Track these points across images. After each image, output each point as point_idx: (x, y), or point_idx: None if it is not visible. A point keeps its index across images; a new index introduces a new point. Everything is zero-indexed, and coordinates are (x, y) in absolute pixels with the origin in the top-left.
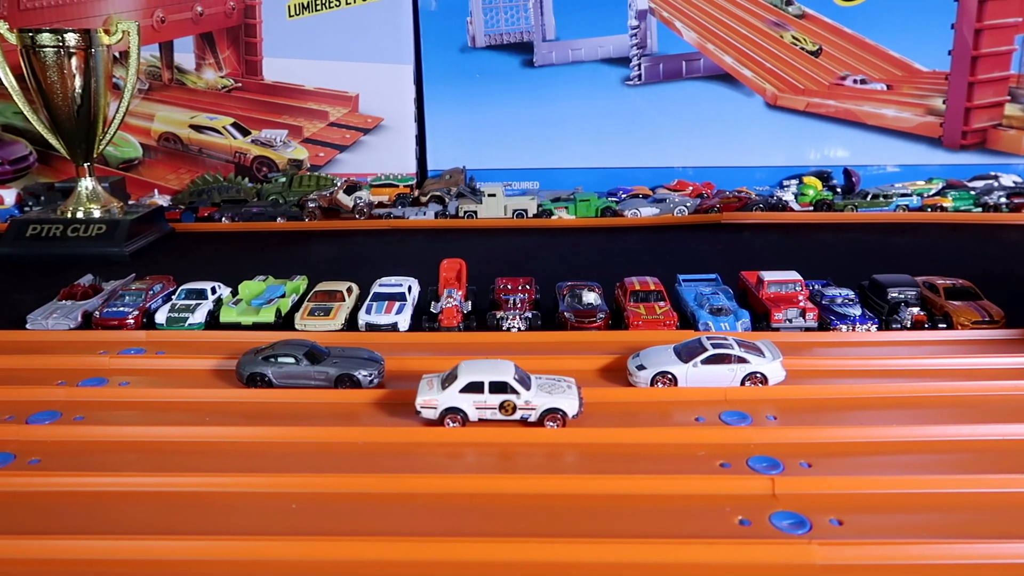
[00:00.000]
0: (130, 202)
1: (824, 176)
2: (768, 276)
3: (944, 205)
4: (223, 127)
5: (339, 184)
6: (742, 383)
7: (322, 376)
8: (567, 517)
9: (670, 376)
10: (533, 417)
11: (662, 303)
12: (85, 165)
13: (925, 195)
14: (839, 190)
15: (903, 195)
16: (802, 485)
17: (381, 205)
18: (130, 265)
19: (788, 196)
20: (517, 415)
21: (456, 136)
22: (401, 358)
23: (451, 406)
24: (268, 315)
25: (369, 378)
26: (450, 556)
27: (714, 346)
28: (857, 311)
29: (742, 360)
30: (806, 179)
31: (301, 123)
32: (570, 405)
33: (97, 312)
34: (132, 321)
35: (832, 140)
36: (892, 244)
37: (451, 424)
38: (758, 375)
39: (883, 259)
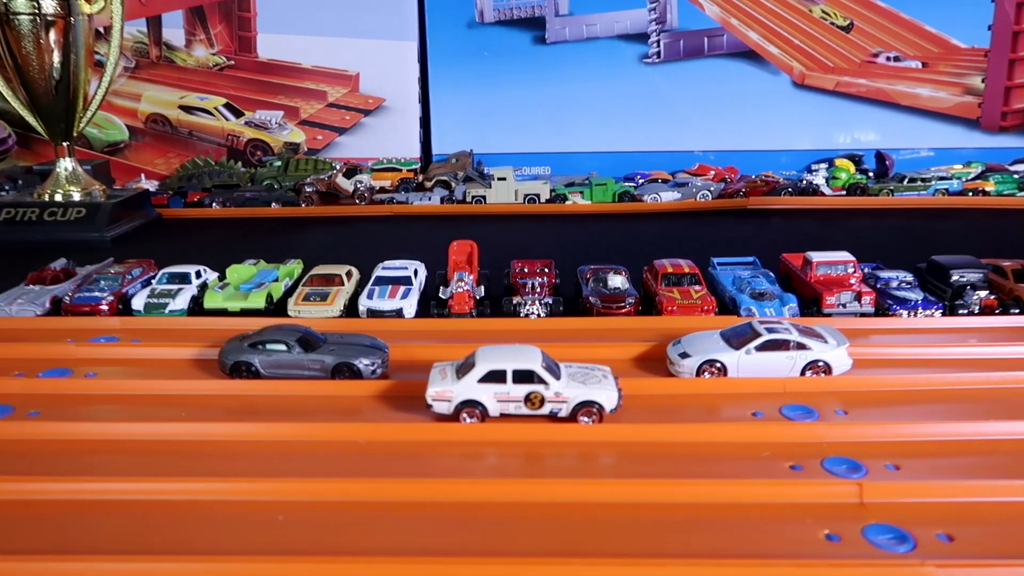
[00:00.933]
0: (115, 187)
1: (855, 160)
2: (817, 257)
3: (987, 189)
4: (215, 108)
5: (338, 168)
6: (802, 373)
7: (317, 365)
8: (608, 532)
9: (719, 365)
10: (564, 412)
11: (698, 287)
12: (64, 144)
13: (964, 179)
14: (871, 174)
15: (942, 178)
16: (894, 491)
17: (383, 190)
18: (112, 252)
19: (819, 180)
20: (545, 409)
21: (463, 118)
22: (407, 346)
23: (468, 398)
24: (258, 300)
25: (371, 368)
26: None
27: (769, 330)
28: (918, 295)
29: (802, 347)
30: (838, 162)
31: (298, 104)
32: (608, 397)
33: (67, 297)
34: (106, 307)
35: (863, 122)
36: (935, 229)
37: (468, 420)
38: (821, 363)
39: (927, 245)
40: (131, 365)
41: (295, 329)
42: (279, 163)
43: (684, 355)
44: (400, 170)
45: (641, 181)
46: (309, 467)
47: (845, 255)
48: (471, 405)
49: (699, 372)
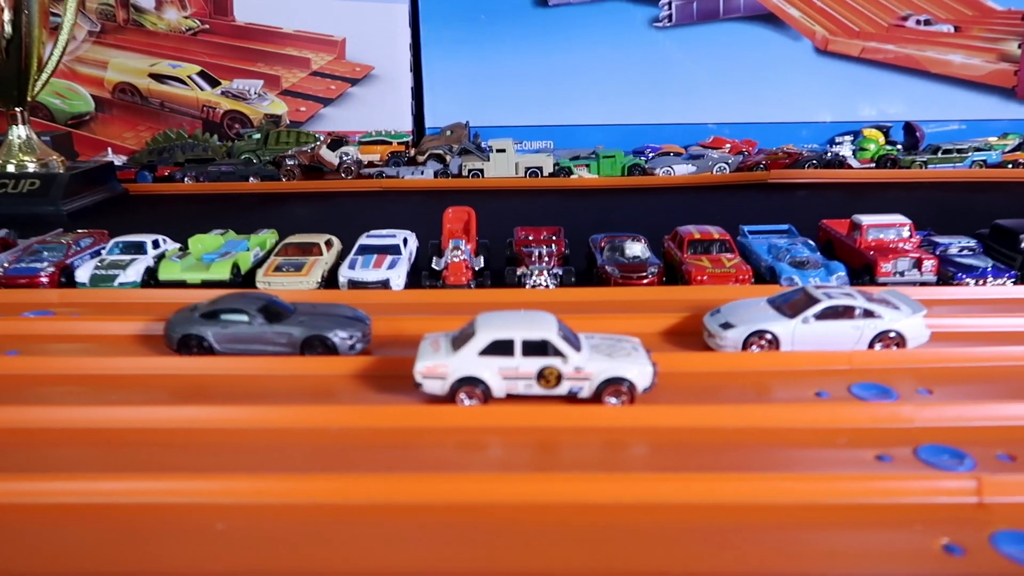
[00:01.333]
0: (78, 161)
1: (883, 131)
2: (867, 220)
3: None
4: (188, 77)
5: (322, 139)
6: (871, 345)
7: (283, 339)
8: (644, 543)
9: (770, 336)
10: (586, 391)
11: (730, 255)
12: (18, 111)
13: (1003, 151)
14: (901, 147)
15: (978, 149)
16: (1021, 489)
17: (371, 165)
18: (69, 228)
19: (846, 151)
20: (563, 387)
21: (458, 88)
22: (394, 319)
23: (467, 375)
24: (221, 271)
25: (349, 342)
26: None
27: (829, 296)
28: (986, 262)
29: (871, 314)
30: (867, 132)
31: (279, 72)
32: (640, 373)
33: (1, 268)
34: (46, 279)
35: (889, 92)
36: (976, 202)
37: (467, 401)
38: (893, 334)
39: (969, 219)
40: (65, 341)
41: (257, 298)
42: (259, 136)
43: (727, 325)
44: (390, 143)
45: (652, 155)
46: (264, 460)
47: (899, 218)
48: (470, 383)
49: (746, 345)
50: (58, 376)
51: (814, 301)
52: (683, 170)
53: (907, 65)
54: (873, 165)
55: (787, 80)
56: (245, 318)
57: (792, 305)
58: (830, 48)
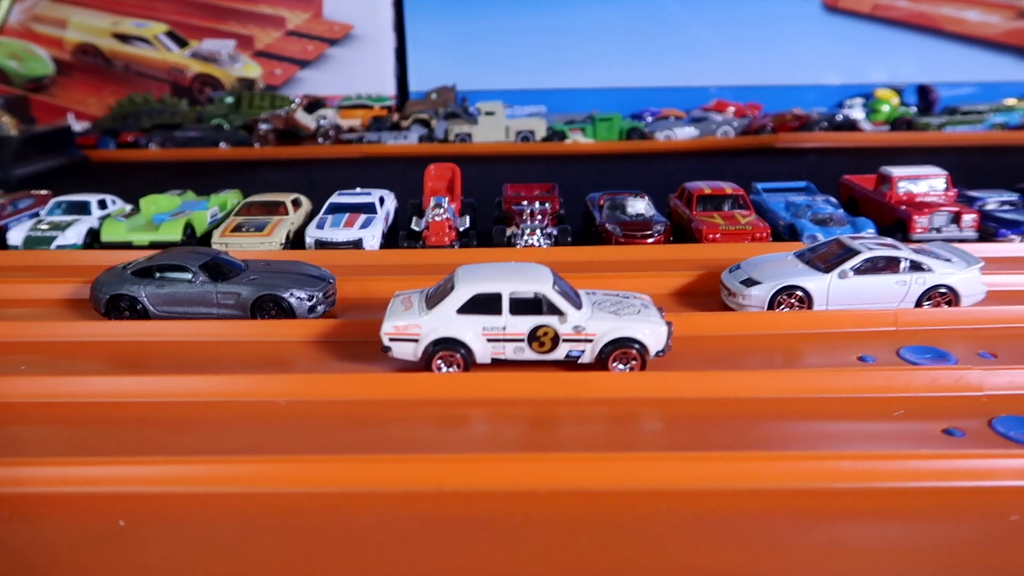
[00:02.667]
0: (34, 126)
1: (896, 92)
2: (898, 172)
3: None
4: (154, 37)
5: (298, 101)
6: (918, 303)
7: (231, 299)
8: (669, 538)
9: (801, 293)
10: (588, 355)
11: (745, 211)
12: None
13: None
14: (914, 109)
15: (998, 111)
16: None
17: (351, 131)
18: (14, 190)
19: (858, 114)
20: (560, 352)
21: (444, 50)
22: (365, 280)
23: (444, 337)
24: (172, 231)
25: (308, 303)
26: None
27: (869, 247)
28: None
29: (918, 267)
30: (879, 93)
31: (252, 32)
32: (652, 333)
33: None
34: None
35: (901, 52)
36: (1001, 165)
37: (444, 368)
38: (944, 290)
39: (993, 182)
40: None
41: (200, 253)
42: (231, 100)
43: (750, 282)
44: (372, 107)
45: (651, 118)
46: (204, 441)
47: (934, 169)
48: (448, 346)
49: (773, 304)
50: None
51: (852, 253)
52: (685, 134)
53: (920, 23)
54: (887, 127)
55: (793, 40)
56: (186, 276)
57: (825, 258)
58: (839, 5)
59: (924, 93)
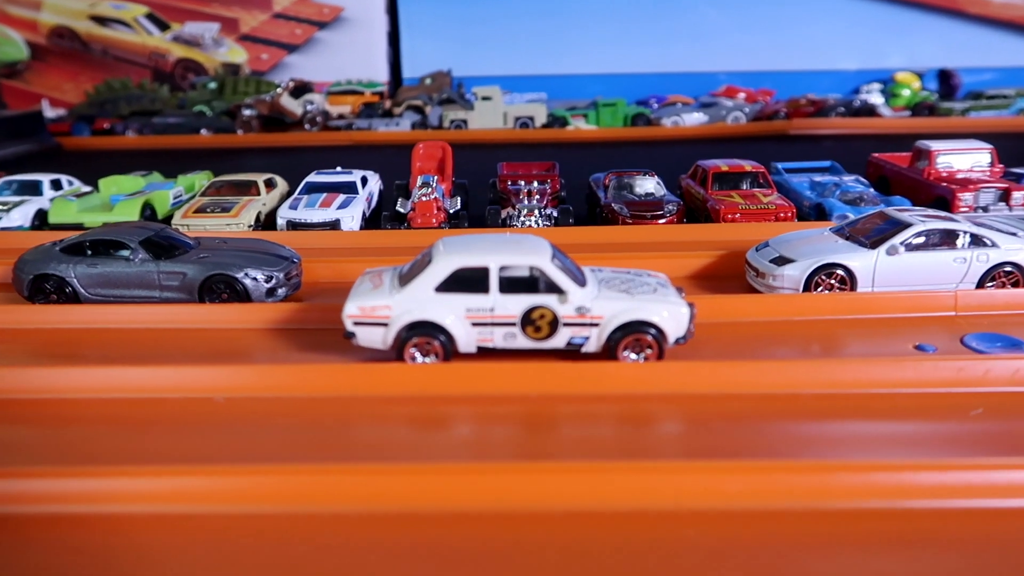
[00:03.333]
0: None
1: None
2: (938, 145)
3: None
4: (134, 19)
5: (284, 85)
6: (980, 284)
7: (175, 280)
8: (683, 566)
9: (842, 273)
10: (594, 343)
11: (766, 190)
12: None
13: None
14: (936, 95)
15: None
16: None
17: (341, 117)
18: None
19: (876, 99)
20: (560, 338)
21: (440, 33)
22: (339, 262)
23: (420, 319)
24: (128, 211)
25: (266, 284)
26: None
27: (923, 220)
28: None
29: (980, 242)
30: (899, 77)
31: (237, 15)
32: (671, 315)
33: None
34: None
35: (921, 35)
36: None
37: (420, 358)
38: (1010, 268)
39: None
40: None
41: (142, 228)
42: (214, 85)
43: (781, 261)
44: (362, 93)
45: (657, 106)
46: (136, 445)
47: (976, 143)
48: (425, 331)
49: (809, 285)
50: None
51: (902, 225)
52: (693, 120)
53: (941, 4)
54: (908, 113)
55: (807, 23)
56: (124, 253)
57: (868, 232)
58: None
59: (946, 78)
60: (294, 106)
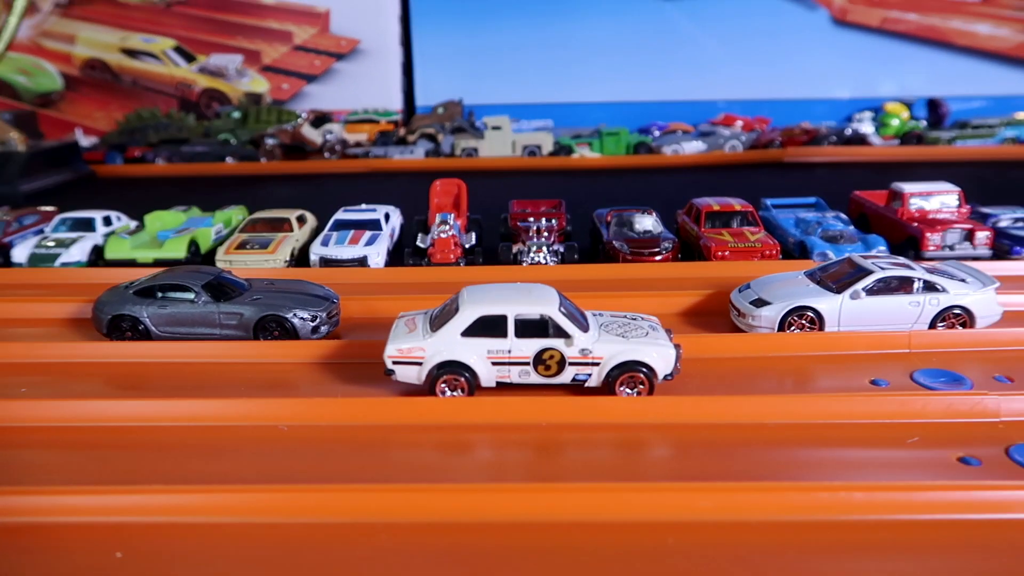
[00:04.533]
0: (43, 141)
1: (906, 106)
2: (910, 188)
3: None
4: (162, 52)
5: (304, 116)
6: (932, 325)
7: (233, 320)
8: (673, 570)
9: (812, 315)
10: (596, 379)
11: (754, 228)
12: None
13: None
14: (925, 123)
15: (1009, 124)
16: None
17: (358, 145)
18: (22, 207)
19: (867, 128)
20: (566, 375)
21: (451, 64)
22: (370, 299)
23: (448, 359)
24: (177, 248)
25: (312, 323)
26: None
27: (882, 266)
28: None
29: (932, 288)
30: (889, 107)
31: (259, 47)
32: (660, 356)
33: None
34: None
35: (911, 66)
36: (1013, 180)
37: (448, 392)
38: (958, 311)
39: (1007, 196)
40: None
41: (204, 272)
42: (238, 114)
43: (760, 303)
44: (378, 122)
45: (658, 133)
46: (205, 466)
47: (946, 185)
48: (453, 370)
49: (783, 325)
50: None
51: (864, 272)
52: (692, 148)
53: (930, 36)
54: (897, 142)
55: (802, 54)
56: (188, 296)
57: (837, 277)
58: (848, 18)
59: (934, 107)
60: (314, 135)
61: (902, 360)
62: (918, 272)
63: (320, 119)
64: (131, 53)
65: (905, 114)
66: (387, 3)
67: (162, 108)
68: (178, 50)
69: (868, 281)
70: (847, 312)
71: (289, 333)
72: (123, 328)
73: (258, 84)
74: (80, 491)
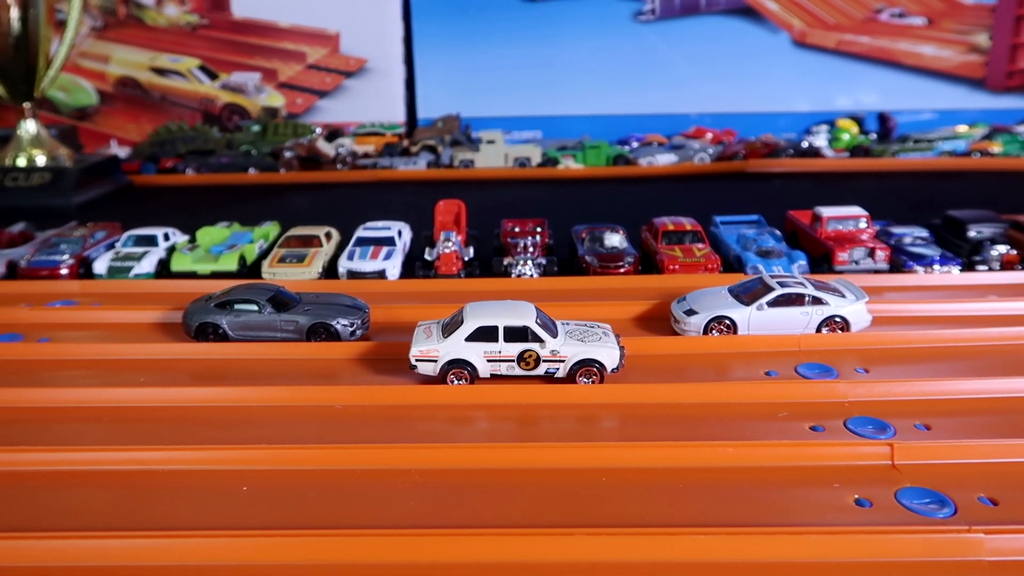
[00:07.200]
0: (83, 153)
1: (857, 120)
2: (827, 212)
3: (993, 150)
4: (188, 70)
5: (318, 131)
6: (818, 330)
7: (291, 326)
8: (614, 499)
9: (728, 322)
10: (562, 372)
11: (701, 244)
12: (27, 106)
13: (971, 140)
14: (873, 136)
15: (947, 139)
16: (928, 453)
17: (366, 156)
18: (78, 219)
19: (820, 142)
20: (541, 369)
21: (449, 80)
22: (390, 307)
23: (456, 358)
24: (229, 262)
25: (351, 328)
26: (457, 556)
27: (782, 285)
28: (935, 251)
29: (818, 301)
30: (840, 122)
31: (276, 66)
32: (609, 356)
33: (24, 261)
34: (66, 271)
35: (864, 83)
36: (943, 190)
37: (456, 381)
38: (838, 319)
39: (934, 206)
40: (89, 329)
41: (266, 288)
42: (257, 128)
43: (690, 312)
44: (384, 134)
45: (636, 144)
46: (280, 434)
47: (857, 210)
48: (459, 365)
49: (707, 330)
50: (86, 361)
51: (768, 289)
52: (665, 160)
53: (881, 57)
54: (847, 154)
55: (766, 71)
56: (255, 307)
57: (749, 293)
58: (807, 40)
59: (883, 121)
60: (328, 149)
61: (793, 356)
62: (809, 289)
63: (333, 133)
64: (160, 71)
65: (855, 129)
66: (391, 26)
67: (188, 121)
68: (202, 68)
69: (771, 296)
70: (754, 320)
71: (333, 336)
72: (207, 332)
73: (275, 99)
74: (200, 448)
